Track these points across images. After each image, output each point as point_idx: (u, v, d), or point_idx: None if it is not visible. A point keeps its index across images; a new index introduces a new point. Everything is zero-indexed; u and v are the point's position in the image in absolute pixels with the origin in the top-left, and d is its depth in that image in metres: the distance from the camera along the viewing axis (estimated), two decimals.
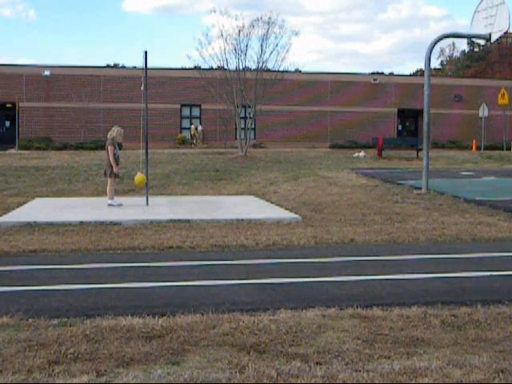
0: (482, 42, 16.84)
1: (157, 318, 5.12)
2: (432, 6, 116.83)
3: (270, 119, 38.33)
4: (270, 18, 29.11)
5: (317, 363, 4.15)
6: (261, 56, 29.07)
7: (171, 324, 4.94)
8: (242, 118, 30.84)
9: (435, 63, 76.87)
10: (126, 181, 16.40)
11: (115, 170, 12.31)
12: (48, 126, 37.05)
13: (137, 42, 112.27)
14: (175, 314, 5.23)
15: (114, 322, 4.99)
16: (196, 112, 39.78)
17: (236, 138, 32.76)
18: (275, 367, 4.05)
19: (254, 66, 29.48)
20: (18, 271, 7.04)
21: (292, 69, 33.97)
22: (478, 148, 36.70)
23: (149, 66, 12.77)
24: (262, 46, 29.00)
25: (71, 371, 3.97)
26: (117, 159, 12.42)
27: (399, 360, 4.23)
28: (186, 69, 39.01)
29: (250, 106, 29.56)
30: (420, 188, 15.31)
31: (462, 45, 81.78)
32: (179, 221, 10.37)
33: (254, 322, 5.03)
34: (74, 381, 3.82)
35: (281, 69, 29.73)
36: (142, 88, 12.65)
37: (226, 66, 29.07)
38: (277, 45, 29.25)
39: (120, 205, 12.13)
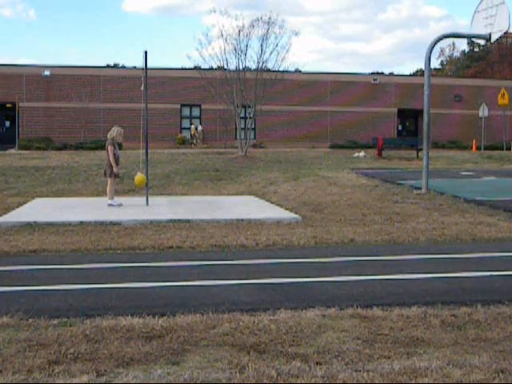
0: (482, 41, 16.84)
1: (157, 318, 5.12)
2: (432, 6, 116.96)
3: (270, 119, 38.33)
4: (269, 17, 29.17)
5: (317, 363, 4.15)
6: (261, 56, 29.12)
7: (171, 324, 4.94)
8: (242, 118, 30.84)
9: (435, 63, 76.98)
10: (126, 181, 16.40)
11: (115, 169, 12.31)
12: (48, 126, 37.06)
13: (137, 42, 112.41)
14: (175, 314, 5.23)
15: (114, 322, 4.99)
16: (196, 112, 39.79)
17: (236, 138, 32.77)
18: (275, 367, 4.05)
19: (254, 66, 29.51)
20: (17, 271, 7.04)
21: (292, 69, 34.02)
22: (478, 148, 36.70)
23: (149, 66, 12.78)
24: (261, 45, 29.06)
25: (71, 371, 3.97)
26: (117, 159, 12.42)
27: (399, 360, 4.23)
28: (185, 69, 39.02)
29: (250, 106, 29.56)
30: (420, 188, 15.31)
31: (462, 45, 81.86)
32: (179, 221, 10.37)
33: (253, 322, 5.03)
34: (74, 381, 3.82)
35: (281, 69, 29.76)
36: (142, 88, 12.65)
37: (226, 66, 29.08)
38: (277, 45, 29.30)
39: (120, 205, 12.13)
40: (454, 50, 76.41)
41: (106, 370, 3.99)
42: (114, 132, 12.45)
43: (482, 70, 65.22)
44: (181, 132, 39.05)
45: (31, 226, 9.81)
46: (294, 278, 6.72)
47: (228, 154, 28.57)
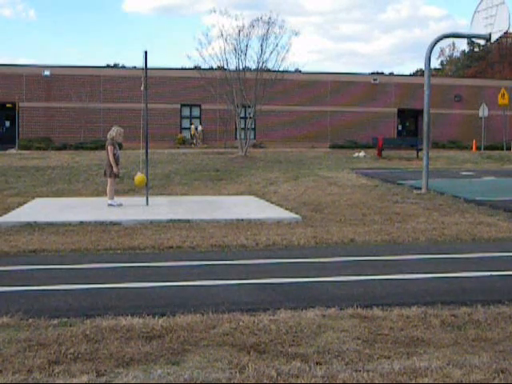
0: (482, 41, 16.84)
1: (157, 318, 5.12)
2: (432, 6, 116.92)
3: (270, 119, 38.33)
4: (269, 18, 29.17)
5: (317, 363, 4.15)
6: (261, 56, 29.12)
7: (171, 324, 4.94)
8: (242, 118, 30.83)
9: (435, 63, 76.98)
10: (126, 181, 16.40)
11: (115, 169, 12.31)
12: (48, 126, 37.06)
13: (137, 42, 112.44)
14: (175, 314, 5.23)
15: (114, 322, 4.99)
16: (196, 112, 39.79)
17: (236, 138, 32.77)
18: (275, 367, 4.05)
19: (254, 66, 29.51)
20: (17, 271, 7.04)
21: (292, 69, 34.04)
22: (478, 148, 36.70)
23: (149, 66, 12.77)
24: (261, 45, 29.06)
25: (71, 371, 3.97)
26: (117, 159, 12.42)
27: (399, 360, 4.23)
28: (185, 69, 39.01)
29: (250, 106, 29.56)
30: (420, 188, 15.31)
31: (462, 45, 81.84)
32: (179, 221, 10.37)
33: (254, 321, 5.03)
34: (74, 381, 3.82)
35: (281, 69, 29.75)
36: (142, 88, 12.65)
37: (225, 66, 29.08)
38: (277, 45, 29.30)
39: (120, 205, 12.13)
40: (453, 50, 76.50)
41: (106, 370, 3.99)
42: (114, 132, 12.44)
43: (482, 70, 65.24)
44: (181, 132, 39.05)
45: (31, 226, 9.81)
46: (294, 278, 6.72)
47: (228, 154, 28.57)
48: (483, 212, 11.89)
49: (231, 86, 28.36)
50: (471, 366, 4.09)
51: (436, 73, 68.47)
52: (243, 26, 28.86)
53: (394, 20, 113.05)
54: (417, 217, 11.24)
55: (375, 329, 4.91)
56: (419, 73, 67.40)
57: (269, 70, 29.62)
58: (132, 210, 11.65)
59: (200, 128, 38.68)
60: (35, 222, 10.05)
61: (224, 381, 3.85)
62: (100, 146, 29.61)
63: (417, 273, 6.99)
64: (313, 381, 3.84)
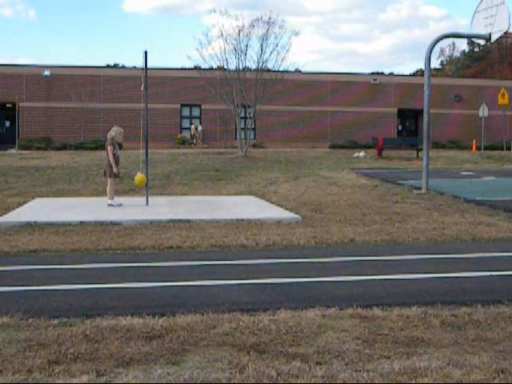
0: (482, 41, 16.84)
1: (157, 318, 5.12)
2: (432, 6, 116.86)
3: (270, 119, 38.33)
4: (269, 18, 29.14)
5: (317, 363, 4.15)
6: (261, 56, 29.10)
7: (171, 324, 4.94)
8: (242, 118, 30.82)
9: (435, 63, 76.94)
10: (126, 181, 16.41)
11: (115, 169, 12.31)
12: (48, 126, 37.06)
13: (137, 42, 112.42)
14: (175, 314, 5.23)
15: (114, 322, 4.99)
16: (196, 112, 39.78)
17: (236, 138, 32.76)
18: (275, 367, 4.05)
19: (254, 66, 29.50)
20: (17, 271, 7.04)
21: (292, 69, 34.02)
22: (478, 148, 36.70)
23: (149, 66, 12.78)
24: (261, 45, 29.04)
25: (71, 371, 3.97)
26: (117, 159, 12.41)
27: (399, 360, 4.23)
28: (185, 69, 39.00)
29: (250, 106, 29.56)
30: (420, 188, 15.31)
31: (462, 45, 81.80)
32: (179, 221, 10.37)
33: (254, 321, 5.03)
34: (74, 381, 3.82)
35: (281, 69, 29.74)
36: (142, 88, 12.65)
37: (225, 66, 29.07)
38: (277, 45, 29.28)
39: (120, 205, 12.13)
40: (453, 50, 76.47)
41: (106, 370, 3.99)
42: (114, 132, 12.45)
43: (482, 70, 65.22)
44: (181, 132, 39.05)
45: (31, 226, 9.81)
46: (294, 278, 6.73)
47: (228, 154, 28.57)
48: (483, 212, 11.89)
49: (231, 85, 28.36)
50: (471, 366, 4.09)
51: (436, 73, 68.47)
52: (243, 26, 28.89)
53: (394, 20, 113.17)
54: (417, 217, 11.24)
55: (375, 329, 4.91)
56: (419, 73, 67.40)
57: (269, 70, 29.61)
58: (132, 210, 11.65)
59: (200, 128, 38.68)
60: (35, 222, 10.05)
61: (224, 381, 3.85)
62: (100, 145, 29.61)
63: (417, 273, 6.99)
64: (313, 381, 3.84)
